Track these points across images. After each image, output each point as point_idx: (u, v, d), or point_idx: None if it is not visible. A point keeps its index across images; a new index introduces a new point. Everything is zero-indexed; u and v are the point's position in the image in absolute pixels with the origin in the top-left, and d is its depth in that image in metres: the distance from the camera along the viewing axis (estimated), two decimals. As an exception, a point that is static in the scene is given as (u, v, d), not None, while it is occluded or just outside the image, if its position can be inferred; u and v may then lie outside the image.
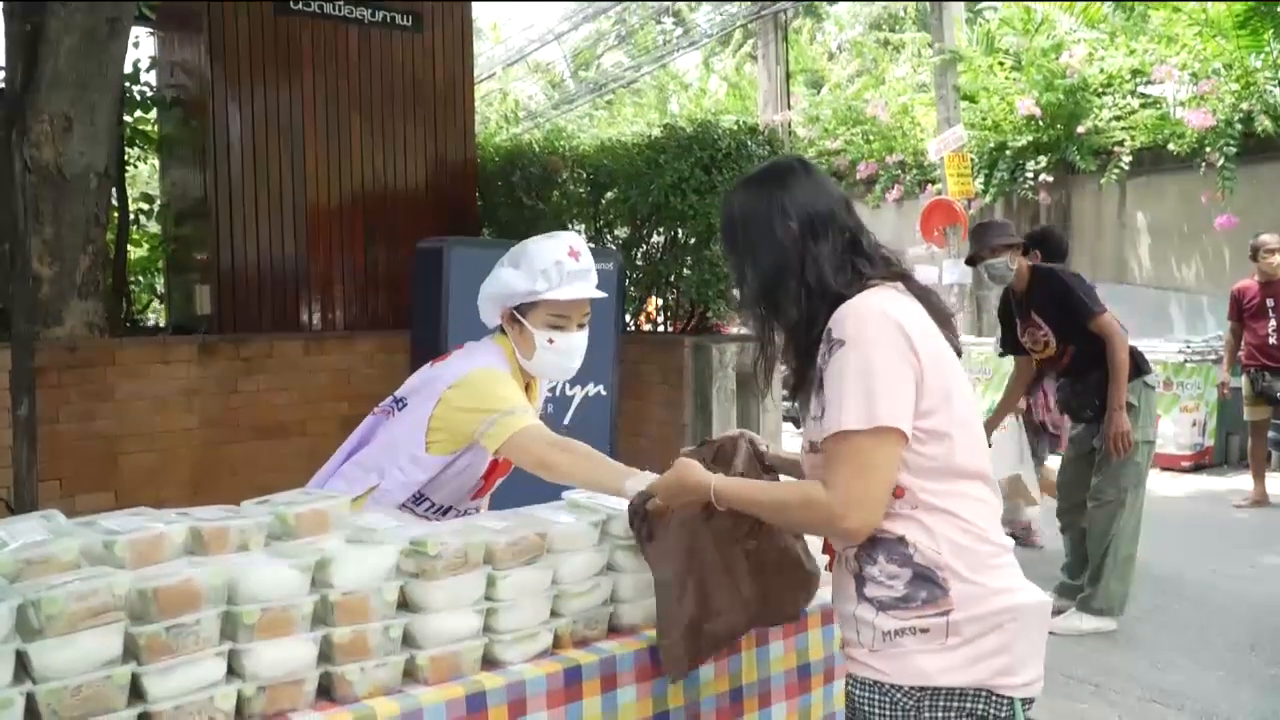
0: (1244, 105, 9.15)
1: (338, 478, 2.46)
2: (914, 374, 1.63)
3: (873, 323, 1.64)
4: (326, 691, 1.75)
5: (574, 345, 2.37)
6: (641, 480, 2.10)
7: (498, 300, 2.36)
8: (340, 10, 6.18)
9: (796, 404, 1.86)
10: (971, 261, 4.87)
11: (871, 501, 1.61)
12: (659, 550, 1.98)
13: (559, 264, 2.28)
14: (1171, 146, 9.54)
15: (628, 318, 5.95)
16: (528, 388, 2.47)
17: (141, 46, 6.74)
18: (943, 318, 1.77)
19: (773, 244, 1.76)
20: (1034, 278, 4.72)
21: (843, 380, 1.61)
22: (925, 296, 1.77)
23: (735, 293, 1.85)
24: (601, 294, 2.40)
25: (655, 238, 5.84)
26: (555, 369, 2.41)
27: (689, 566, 1.96)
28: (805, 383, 1.77)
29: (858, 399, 1.59)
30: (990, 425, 5.04)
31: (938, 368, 1.66)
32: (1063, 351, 4.66)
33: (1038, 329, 4.71)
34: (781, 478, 2.04)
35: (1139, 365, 4.59)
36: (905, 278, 1.78)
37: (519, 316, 2.33)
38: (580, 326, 2.37)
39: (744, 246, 1.80)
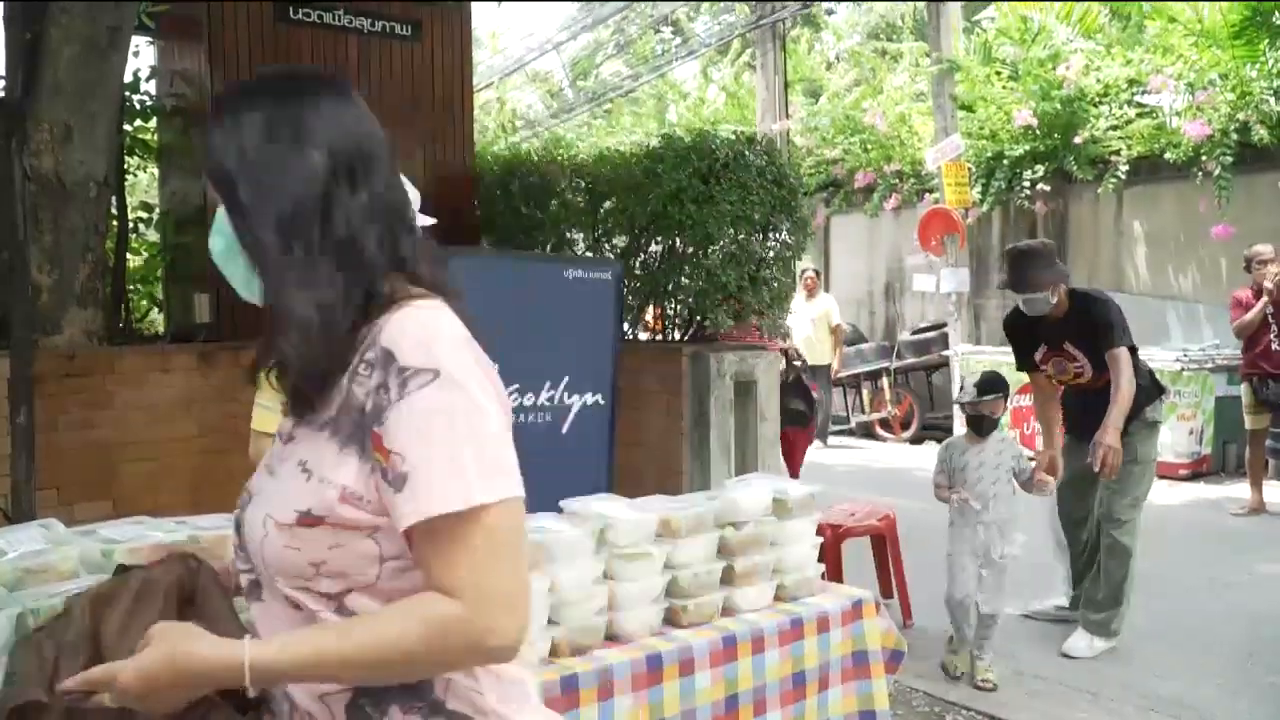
0: (1240, 115, 9.18)
1: None
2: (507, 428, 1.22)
3: (465, 352, 1.19)
4: (324, 700, 1.75)
5: None
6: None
7: None
8: (340, 20, 6.20)
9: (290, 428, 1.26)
10: (1008, 288, 4.54)
11: (524, 601, 1.14)
12: None
13: (411, 196, 2.38)
14: (1168, 156, 9.57)
15: (626, 327, 5.96)
16: None
17: (141, 55, 6.76)
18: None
19: (289, 176, 1.22)
20: (1072, 305, 4.43)
21: (449, 430, 1.12)
22: (469, 324, 1.27)
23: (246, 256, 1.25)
24: (431, 220, 2.50)
25: (653, 247, 5.84)
26: None
27: None
28: (313, 402, 1.20)
29: (482, 458, 1.13)
30: (1046, 454, 4.41)
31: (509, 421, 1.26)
32: (1098, 379, 4.42)
33: (1070, 360, 4.47)
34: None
35: (1158, 385, 4.57)
36: (451, 293, 1.29)
37: None
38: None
39: (243, 178, 1.23)
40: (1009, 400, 4.87)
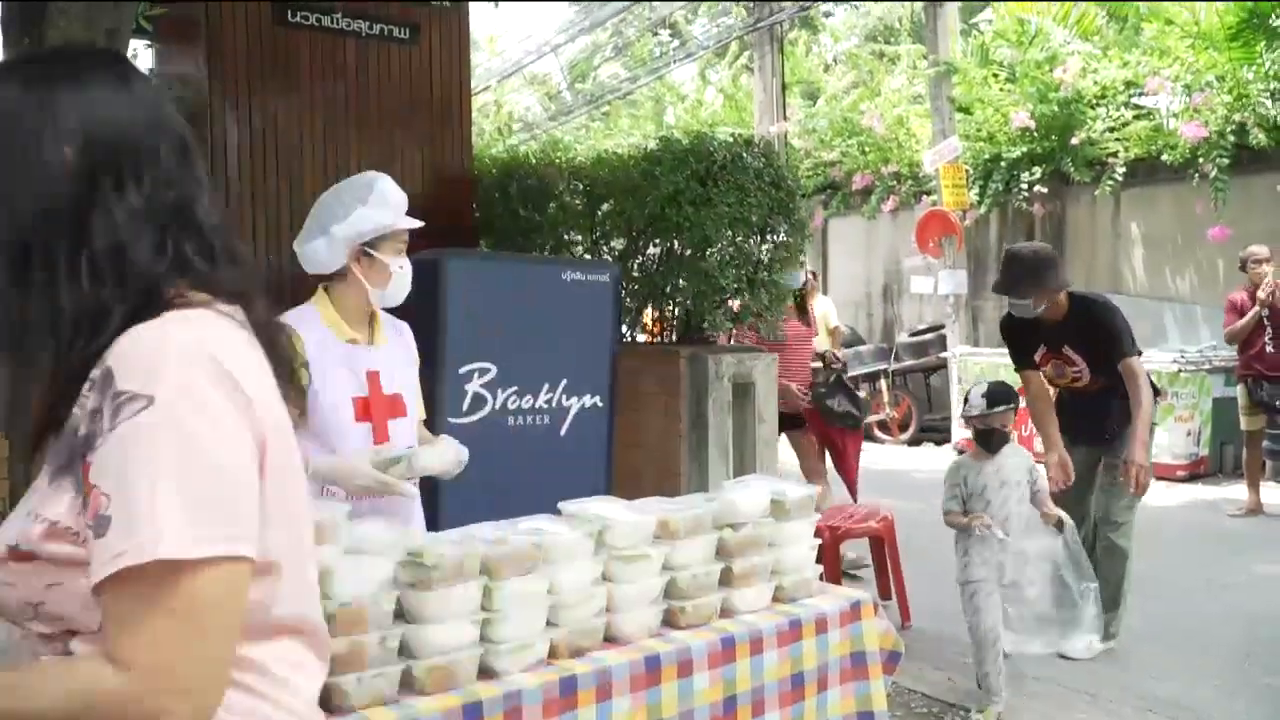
0: (1236, 117, 9.20)
1: None
2: (255, 467, 1.03)
3: (203, 375, 1.00)
4: (324, 702, 1.76)
5: (410, 268, 2.66)
6: None
7: (352, 240, 2.52)
8: (338, 22, 6.20)
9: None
10: (997, 290, 4.51)
11: (211, 681, 0.97)
12: None
13: (401, 199, 2.59)
14: (1165, 158, 9.59)
15: (624, 329, 5.97)
16: (372, 322, 2.66)
17: (139, 58, 6.77)
18: (286, 371, 1.13)
19: (29, 174, 1.05)
20: (1072, 309, 4.38)
21: (151, 467, 0.95)
22: (272, 335, 1.13)
23: None
24: (417, 223, 2.67)
25: (651, 249, 5.85)
26: (404, 290, 2.65)
27: None
28: (53, 430, 1.06)
29: (195, 505, 0.95)
30: (1054, 455, 4.30)
31: (280, 456, 1.07)
32: (1094, 382, 4.43)
33: (1069, 364, 4.43)
34: None
35: (1154, 387, 4.52)
36: (249, 299, 1.12)
37: (370, 251, 2.54)
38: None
39: None
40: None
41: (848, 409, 5.95)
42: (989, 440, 3.93)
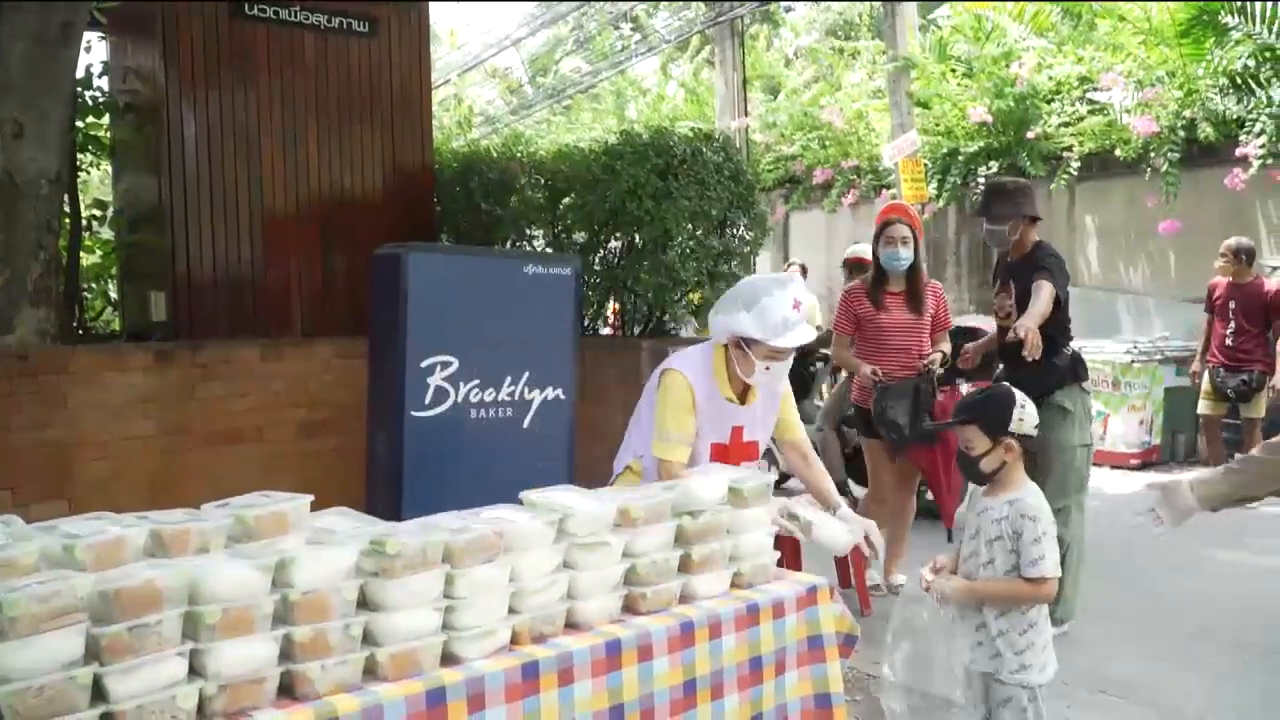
0: (1187, 112, 9.38)
1: (625, 448, 3.24)
2: None
3: None
4: (288, 689, 1.78)
5: (783, 370, 3.03)
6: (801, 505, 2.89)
7: (729, 330, 2.98)
8: (296, 16, 6.16)
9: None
10: (978, 215, 4.85)
11: None
12: None
13: (786, 319, 2.88)
14: (1118, 152, 9.76)
15: (586, 322, 5.99)
16: (746, 389, 3.12)
17: (94, 51, 6.67)
18: None
19: None
20: (1032, 250, 4.61)
21: None
22: None
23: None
24: (814, 335, 3.04)
25: (612, 243, 5.89)
26: (766, 387, 3.08)
27: None
28: None
29: None
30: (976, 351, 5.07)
31: None
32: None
33: (1007, 298, 4.65)
34: None
35: (1075, 370, 4.63)
36: None
37: (744, 345, 2.95)
38: (790, 356, 3.01)
39: None
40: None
41: (894, 420, 4.81)
42: (962, 464, 2.80)
